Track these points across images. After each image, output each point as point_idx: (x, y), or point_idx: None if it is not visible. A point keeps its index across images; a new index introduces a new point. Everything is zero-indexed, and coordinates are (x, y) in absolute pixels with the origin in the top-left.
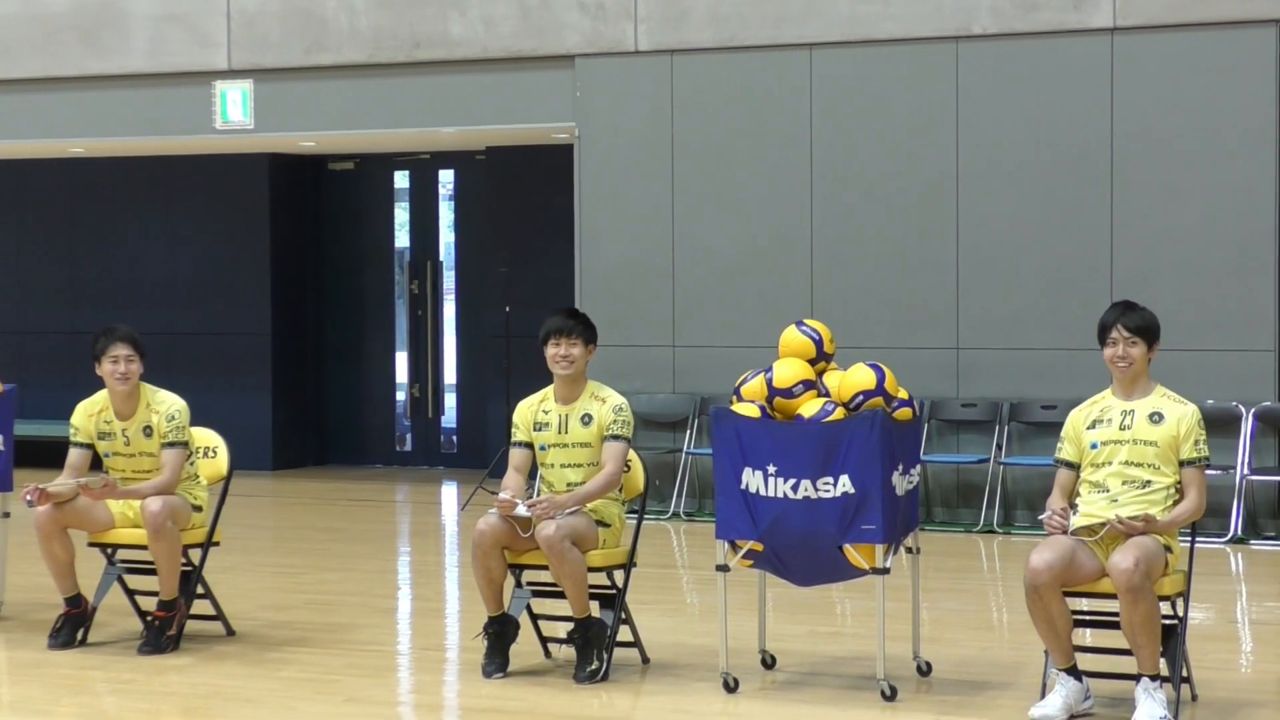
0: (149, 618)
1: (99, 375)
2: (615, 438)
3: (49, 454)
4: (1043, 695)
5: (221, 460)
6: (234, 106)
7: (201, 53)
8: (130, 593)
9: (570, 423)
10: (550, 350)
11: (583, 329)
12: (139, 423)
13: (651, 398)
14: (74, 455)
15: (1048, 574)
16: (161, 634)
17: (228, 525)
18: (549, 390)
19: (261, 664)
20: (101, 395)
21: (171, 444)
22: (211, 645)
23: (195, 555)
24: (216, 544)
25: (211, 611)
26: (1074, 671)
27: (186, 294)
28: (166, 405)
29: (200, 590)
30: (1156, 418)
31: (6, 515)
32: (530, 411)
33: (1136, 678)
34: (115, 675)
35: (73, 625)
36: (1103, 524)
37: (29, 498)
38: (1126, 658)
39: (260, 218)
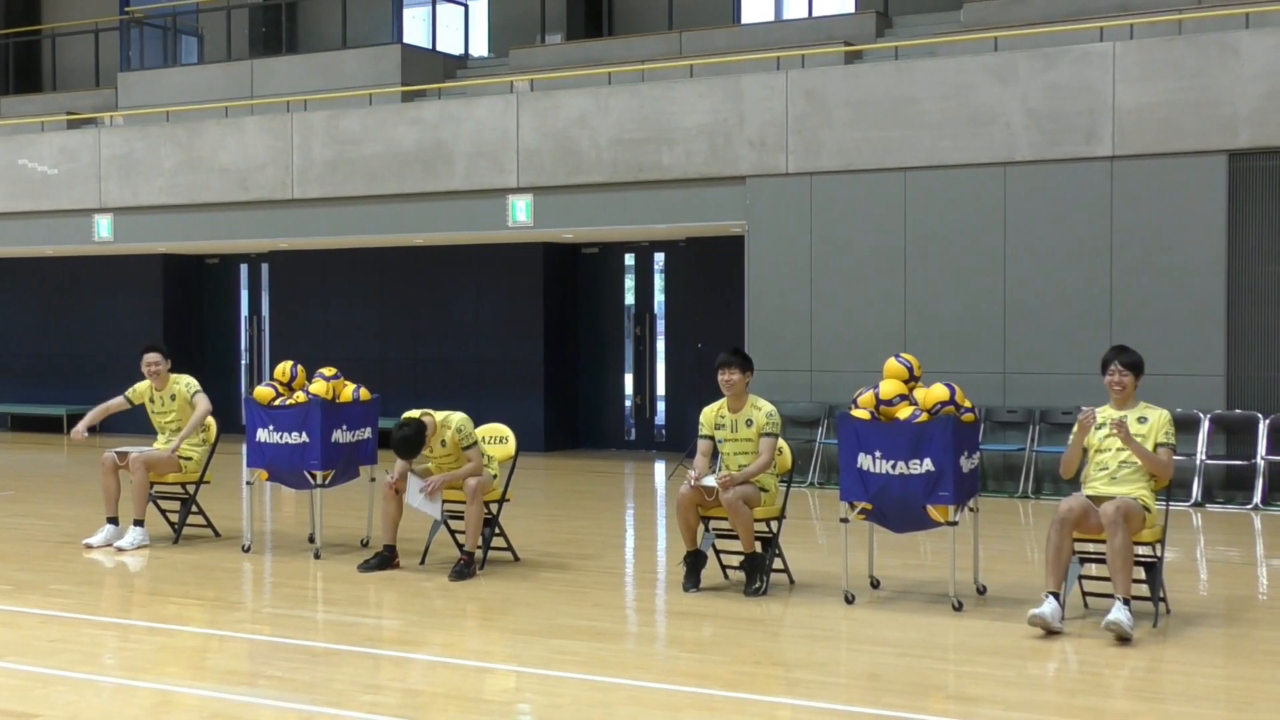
0: (464, 550)
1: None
2: (768, 434)
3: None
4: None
5: (511, 444)
6: (520, 211)
7: (499, 176)
8: (453, 533)
9: (739, 425)
10: (720, 376)
11: (740, 361)
12: (449, 438)
13: (795, 404)
14: (399, 465)
15: (1069, 514)
16: (469, 565)
17: (515, 487)
18: (724, 401)
19: (537, 580)
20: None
21: (467, 446)
22: (504, 567)
23: (494, 507)
24: (508, 500)
25: (504, 545)
26: (1056, 596)
27: (488, 334)
28: (455, 421)
29: (497, 530)
30: (1142, 420)
31: (373, 480)
32: (711, 415)
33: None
34: (441, 586)
35: (383, 560)
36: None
37: (389, 478)
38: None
39: (536, 285)
